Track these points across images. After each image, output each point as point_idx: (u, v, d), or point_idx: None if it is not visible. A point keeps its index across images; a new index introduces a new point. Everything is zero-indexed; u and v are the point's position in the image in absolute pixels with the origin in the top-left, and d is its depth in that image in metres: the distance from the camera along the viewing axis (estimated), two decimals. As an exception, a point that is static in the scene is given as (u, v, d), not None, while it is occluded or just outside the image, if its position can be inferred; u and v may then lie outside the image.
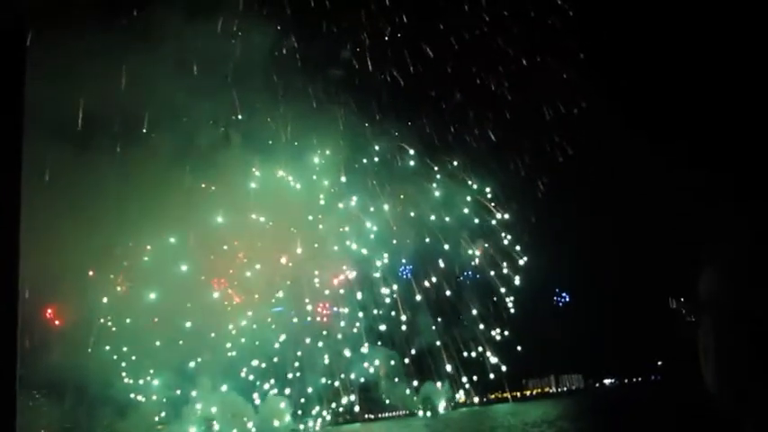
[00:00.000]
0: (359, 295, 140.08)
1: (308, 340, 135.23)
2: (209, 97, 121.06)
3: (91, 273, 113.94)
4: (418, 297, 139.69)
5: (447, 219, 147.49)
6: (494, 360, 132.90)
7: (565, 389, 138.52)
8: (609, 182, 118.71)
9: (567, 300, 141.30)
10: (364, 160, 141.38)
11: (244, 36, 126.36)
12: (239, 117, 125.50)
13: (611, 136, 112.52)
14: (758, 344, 2.44)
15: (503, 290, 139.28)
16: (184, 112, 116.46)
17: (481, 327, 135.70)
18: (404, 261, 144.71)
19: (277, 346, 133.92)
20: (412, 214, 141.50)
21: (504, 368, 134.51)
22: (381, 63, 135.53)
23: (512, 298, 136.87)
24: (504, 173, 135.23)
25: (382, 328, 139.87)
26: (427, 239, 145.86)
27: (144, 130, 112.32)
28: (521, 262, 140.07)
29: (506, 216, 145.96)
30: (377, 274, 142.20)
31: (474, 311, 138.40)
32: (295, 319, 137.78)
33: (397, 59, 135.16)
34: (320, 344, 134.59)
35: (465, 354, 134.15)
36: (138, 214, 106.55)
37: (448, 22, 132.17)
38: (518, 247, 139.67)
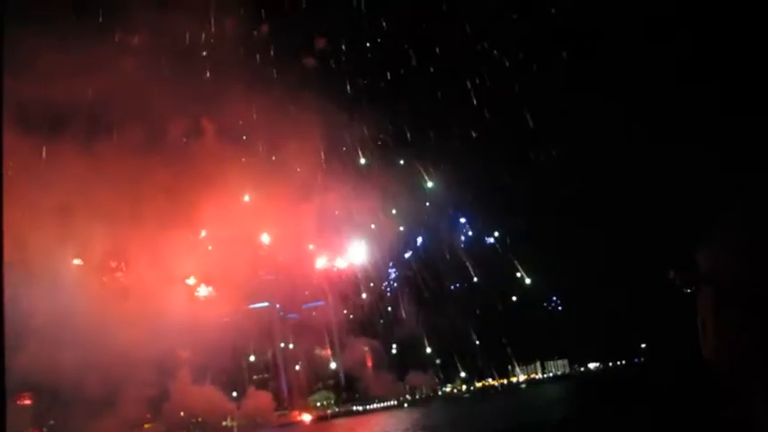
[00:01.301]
0: (345, 290, 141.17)
1: (291, 334, 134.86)
2: (183, 90, 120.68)
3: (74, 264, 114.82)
4: (405, 295, 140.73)
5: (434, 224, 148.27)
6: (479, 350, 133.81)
7: (551, 374, 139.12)
8: (594, 173, 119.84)
9: (560, 309, 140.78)
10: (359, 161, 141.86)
11: (218, 27, 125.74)
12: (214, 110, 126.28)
13: (597, 126, 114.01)
14: (757, 315, 2.44)
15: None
16: (157, 105, 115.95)
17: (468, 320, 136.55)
18: (391, 263, 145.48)
19: (260, 340, 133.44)
20: (401, 228, 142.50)
21: (489, 358, 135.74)
22: (362, 66, 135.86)
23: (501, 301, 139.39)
24: (489, 179, 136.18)
25: (367, 320, 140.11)
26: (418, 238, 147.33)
27: (113, 124, 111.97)
28: (518, 275, 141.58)
29: (496, 234, 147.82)
30: (364, 268, 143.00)
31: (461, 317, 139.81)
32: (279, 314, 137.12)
33: (378, 62, 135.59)
34: (304, 337, 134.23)
35: (451, 344, 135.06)
36: (117, 211, 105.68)
37: (430, 25, 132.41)
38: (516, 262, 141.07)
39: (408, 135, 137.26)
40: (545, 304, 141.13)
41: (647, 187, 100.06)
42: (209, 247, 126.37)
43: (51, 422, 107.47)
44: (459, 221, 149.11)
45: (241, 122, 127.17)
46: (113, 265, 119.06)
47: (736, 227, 2.68)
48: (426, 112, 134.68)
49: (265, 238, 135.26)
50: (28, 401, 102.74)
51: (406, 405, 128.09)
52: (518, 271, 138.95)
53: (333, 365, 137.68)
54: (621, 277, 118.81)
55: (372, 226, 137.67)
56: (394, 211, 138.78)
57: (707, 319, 2.64)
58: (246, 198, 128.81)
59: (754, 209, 2.61)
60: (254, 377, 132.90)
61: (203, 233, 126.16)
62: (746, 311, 2.46)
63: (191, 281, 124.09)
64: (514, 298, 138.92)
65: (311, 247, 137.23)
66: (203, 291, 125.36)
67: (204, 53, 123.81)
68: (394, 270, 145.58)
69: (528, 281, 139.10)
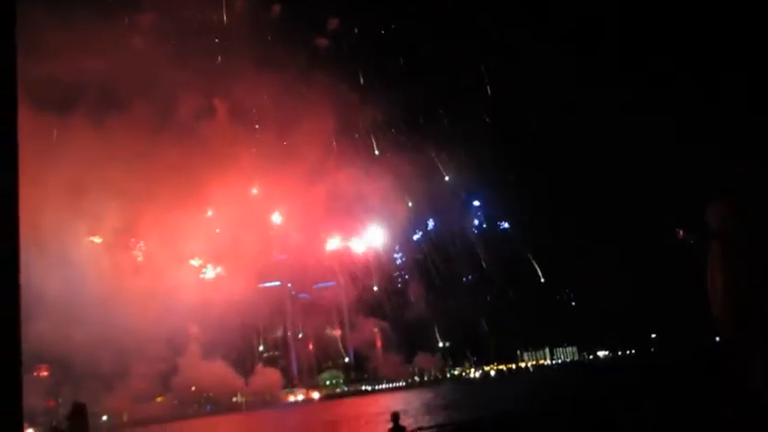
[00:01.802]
0: (356, 272, 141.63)
1: (302, 314, 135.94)
2: (196, 67, 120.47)
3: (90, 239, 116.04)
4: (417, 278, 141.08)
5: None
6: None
7: (559, 361, 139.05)
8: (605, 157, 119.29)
9: (574, 304, 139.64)
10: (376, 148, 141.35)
11: (230, 8, 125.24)
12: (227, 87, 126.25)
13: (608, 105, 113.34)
14: (760, 264, 2.63)
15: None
16: (170, 85, 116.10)
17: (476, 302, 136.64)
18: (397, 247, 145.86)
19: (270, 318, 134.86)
20: (413, 211, 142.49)
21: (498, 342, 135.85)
22: (375, 48, 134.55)
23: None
24: (501, 166, 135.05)
25: (377, 302, 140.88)
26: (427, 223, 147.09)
27: (125, 101, 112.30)
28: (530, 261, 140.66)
29: (509, 219, 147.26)
30: (374, 249, 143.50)
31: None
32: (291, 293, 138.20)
33: (391, 45, 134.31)
34: (314, 317, 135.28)
35: (461, 329, 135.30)
36: (130, 190, 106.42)
37: (444, 11, 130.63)
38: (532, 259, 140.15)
39: (420, 119, 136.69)
40: (557, 296, 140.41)
41: (655, 159, 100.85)
42: (218, 229, 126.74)
43: (60, 400, 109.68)
44: (471, 205, 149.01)
45: (254, 110, 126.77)
46: (132, 241, 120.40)
47: (740, 188, 2.85)
48: (439, 95, 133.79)
49: (277, 218, 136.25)
50: (45, 373, 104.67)
51: (415, 386, 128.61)
52: (530, 257, 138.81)
53: (342, 345, 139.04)
54: (633, 267, 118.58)
55: (384, 208, 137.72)
56: (405, 194, 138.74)
57: (715, 273, 2.77)
58: (258, 178, 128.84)
59: (756, 174, 2.84)
60: (265, 355, 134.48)
61: (210, 213, 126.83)
62: (751, 262, 2.63)
63: (195, 262, 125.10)
64: (525, 284, 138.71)
65: (322, 231, 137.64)
66: (210, 272, 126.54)
67: (216, 33, 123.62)
68: (403, 254, 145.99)
69: (539, 268, 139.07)
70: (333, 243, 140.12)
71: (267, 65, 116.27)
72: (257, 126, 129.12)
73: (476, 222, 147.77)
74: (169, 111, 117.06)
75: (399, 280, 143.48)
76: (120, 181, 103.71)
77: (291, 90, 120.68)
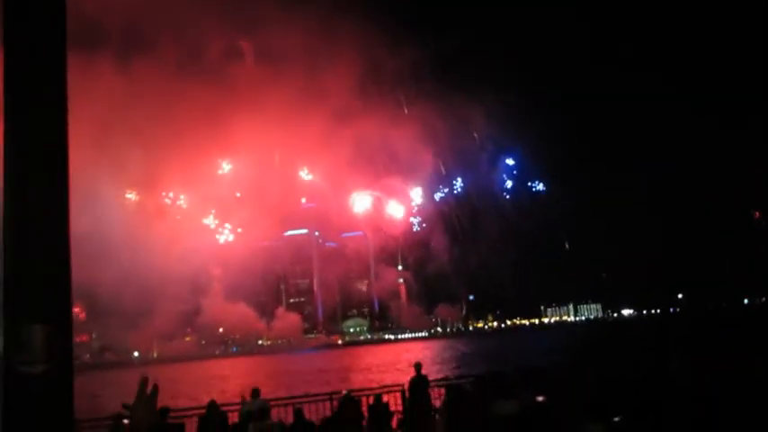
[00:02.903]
0: (382, 222, 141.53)
1: (328, 262, 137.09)
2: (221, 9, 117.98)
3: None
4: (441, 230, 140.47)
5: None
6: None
7: (583, 318, 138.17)
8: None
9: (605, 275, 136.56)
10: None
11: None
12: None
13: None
14: None
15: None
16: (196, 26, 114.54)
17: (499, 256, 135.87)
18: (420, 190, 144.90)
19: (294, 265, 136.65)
20: (443, 170, 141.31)
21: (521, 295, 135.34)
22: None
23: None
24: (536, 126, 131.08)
25: (404, 252, 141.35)
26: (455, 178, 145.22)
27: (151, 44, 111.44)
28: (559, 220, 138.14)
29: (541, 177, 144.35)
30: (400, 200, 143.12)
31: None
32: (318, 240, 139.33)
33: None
34: (340, 265, 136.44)
35: (485, 282, 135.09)
36: (156, 138, 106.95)
37: None
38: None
39: (451, 72, 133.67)
40: (584, 260, 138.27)
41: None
42: (245, 176, 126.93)
43: (94, 335, 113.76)
44: (503, 163, 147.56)
45: (281, 57, 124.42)
46: (164, 195, 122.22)
47: None
48: (470, 49, 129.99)
49: (305, 170, 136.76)
50: (76, 309, 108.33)
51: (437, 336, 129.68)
52: (560, 225, 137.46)
53: (367, 294, 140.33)
54: (661, 229, 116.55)
55: (413, 162, 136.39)
56: (433, 149, 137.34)
57: None
58: (286, 127, 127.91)
59: None
60: (290, 300, 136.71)
61: (230, 167, 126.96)
62: None
63: (210, 221, 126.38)
64: (553, 246, 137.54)
65: (350, 181, 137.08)
66: (227, 234, 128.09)
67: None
68: (430, 209, 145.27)
69: (567, 235, 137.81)
70: (361, 195, 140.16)
71: (295, 9, 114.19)
72: (285, 74, 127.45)
73: (508, 182, 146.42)
74: (196, 56, 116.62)
75: (425, 234, 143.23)
76: (148, 130, 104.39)
77: (320, 38, 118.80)
